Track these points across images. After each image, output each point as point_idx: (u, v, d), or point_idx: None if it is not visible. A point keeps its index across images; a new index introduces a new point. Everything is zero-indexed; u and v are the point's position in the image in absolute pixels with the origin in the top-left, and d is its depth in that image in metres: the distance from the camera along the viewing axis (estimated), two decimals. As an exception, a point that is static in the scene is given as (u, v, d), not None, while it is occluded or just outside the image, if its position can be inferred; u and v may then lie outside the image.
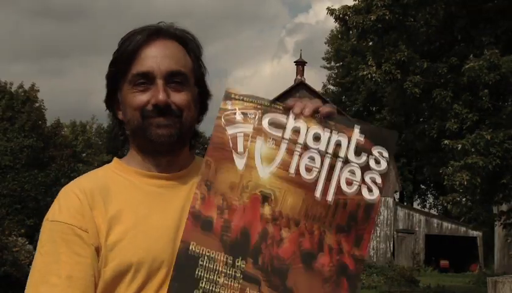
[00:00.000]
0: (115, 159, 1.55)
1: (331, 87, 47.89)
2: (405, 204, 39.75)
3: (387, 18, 14.00)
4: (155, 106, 1.43)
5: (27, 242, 18.09)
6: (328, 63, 47.95)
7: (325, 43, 48.36)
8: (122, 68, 1.45)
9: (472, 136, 13.05)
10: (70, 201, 1.43)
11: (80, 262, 1.37)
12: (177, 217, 1.44)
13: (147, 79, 1.43)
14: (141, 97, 1.44)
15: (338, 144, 1.34)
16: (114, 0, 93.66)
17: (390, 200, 32.94)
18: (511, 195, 14.90)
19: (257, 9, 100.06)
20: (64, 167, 24.64)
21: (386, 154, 1.37)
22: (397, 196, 35.24)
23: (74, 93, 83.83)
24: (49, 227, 1.44)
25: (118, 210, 1.42)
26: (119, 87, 1.48)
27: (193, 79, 1.50)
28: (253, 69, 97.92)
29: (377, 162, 1.36)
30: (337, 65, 47.00)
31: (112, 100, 1.52)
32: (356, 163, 1.35)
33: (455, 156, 13.72)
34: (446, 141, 13.35)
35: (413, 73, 14.03)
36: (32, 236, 19.45)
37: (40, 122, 30.25)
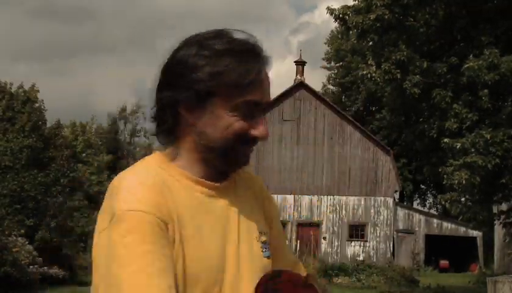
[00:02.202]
0: (158, 154, 1.48)
1: (331, 87, 47.92)
2: (405, 204, 39.78)
3: (387, 17, 14.00)
4: (254, 138, 1.43)
5: (26, 242, 18.09)
6: (328, 63, 48.00)
7: (325, 43, 48.41)
8: (230, 89, 1.40)
9: (471, 135, 13.06)
10: (145, 191, 1.33)
11: (168, 255, 1.30)
12: (223, 228, 1.44)
13: (252, 108, 1.42)
14: (243, 124, 1.41)
15: None
16: (119, 1, 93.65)
17: (390, 200, 32.95)
18: (510, 194, 14.90)
19: (264, 10, 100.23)
20: (64, 167, 24.62)
21: None
22: (396, 196, 35.25)
23: (78, 93, 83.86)
24: (128, 217, 1.29)
25: (179, 212, 1.37)
26: (210, 97, 1.41)
27: None
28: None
29: None
30: (338, 65, 47.02)
31: (203, 100, 1.43)
32: None
33: (454, 155, 13.73)
34: (446, 140, 13.36)
35: (413, 73, 14.03)
36: (32, 236, 19.44)
37: (40, 122, 30.24)
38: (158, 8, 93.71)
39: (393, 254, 33.09)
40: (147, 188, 1.34)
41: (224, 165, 1.45)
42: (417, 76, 13.86)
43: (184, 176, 1.44)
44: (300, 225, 32.55)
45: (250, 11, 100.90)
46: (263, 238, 1.53)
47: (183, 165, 1.46)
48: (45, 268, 18.06)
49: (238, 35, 1.46)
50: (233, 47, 1.42)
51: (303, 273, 1.53)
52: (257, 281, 1.45)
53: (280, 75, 78.28)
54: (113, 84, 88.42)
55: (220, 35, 1.45)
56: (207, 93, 1.41)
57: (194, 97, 1.42)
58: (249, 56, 1.42)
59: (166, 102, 1.45)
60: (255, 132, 1.43)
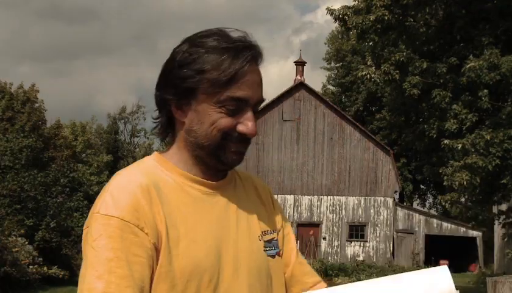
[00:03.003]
0: (157, 154, 1.51)
1: (331, 87, 47.91)
2: (405, 204, 39.76)
3: (386, 18, 14.00)
4: (241, 135, 1.43)
5: (26, 242, 18.09)
6: (328, 64, 47.98)
7: (325, 43, 48.41)
8: (214, 85, 1.41)
9: (471, 136, 13.06)
10: (126, 195, 1.35)
11: (136, 262, 1.31)
12: (220, 227, 1.44)
13: (238, 104, 1.42)
14: (228, 120, 1.41)
15: None
16: (124, 1, 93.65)
17: (390, 200, 32.95)
18: (510, 194, 14.90)
19: (269, 10, 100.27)
20: (64, 168, 24.63)
21: None
22: (396, 196, 35.24)
23: (79, 93, 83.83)
24: (103, 222, 1.33)
25: (171, 211, 1.39)
26: (196, 94, 1.43)
27: None
28: (262, 69, 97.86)
29: None
30: (338, 65, 47.01)
31: (186, 96, 1.45)
32: None
33: (454, 156, 13.73)
34: (446, 141, 13.35)
35: (412, 74, 14.03)
36: (32, 236, 19.44)
37: (40, 122, 30.25)
38: (163, 8, 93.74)
39: (393, 254, 33.09)
40: (128, 193, 1.35)
41: (214, 162, 1.46)
42: (417, 77, 13.85)
43: (181, 175, 1.46)
44: (300, 225, 32.55)
45: (255, 11, 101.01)
46: (267, 237, 1.53)
47: (179, 164, 1.47)
48: (45, 268, 18.06)
49: (231, 34, 1.46)
50: (219, 44, 1.43)
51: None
52: (256, 279, 1.45)
53: (282, 75, 78.40)
54: (114, 84, 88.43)
55: (213, 33, 1.46)
56: (192, 90, 1.43)
57: (181, 94, 1.44)
58: (234, 52, 1.42)
59: (159, 101, 1.48)
60: (242, 128, 1.42)
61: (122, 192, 1.36)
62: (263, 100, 1.47)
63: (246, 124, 1.42)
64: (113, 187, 1.38)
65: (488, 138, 12.83)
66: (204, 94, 1.42)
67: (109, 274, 1.28)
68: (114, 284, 1.28)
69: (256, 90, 1.44)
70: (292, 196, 32.48)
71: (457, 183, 13.04)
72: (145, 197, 1.36)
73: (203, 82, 1.41)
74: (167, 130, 1.51)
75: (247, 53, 1.43)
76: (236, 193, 1.52)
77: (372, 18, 14.03)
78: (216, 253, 1.40)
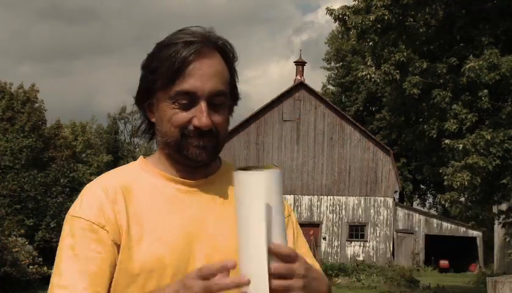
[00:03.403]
0: (141, 157, 1.56)
1: (331, 87, 47.91)
2: (405, 204, 39.76)
3: (386, 18, 13.99)
4: (197, 128, 1.42)
5: (26, 242, 18.08)
6: (328, 64, 47.98)
7: (325, 43, 48.41)
8: (163, 81, 1.43)
9: (472, 136, 13.05)
10: (91, 197, 1.45)
11: (94, 258, 1.39)
12: (195, 225, 1.44)
13: (189, 98, 1.42)
14: (182, 115, 1.42)
15: None
16: (124, 2, 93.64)
17: (390, 200, 32.95)
18: (510, 194, 14.90)
19: (271, 11, 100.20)
20: (64, 168, 24.62)
21: None
22: (396, 196, 35.24)
23: (81, 93, 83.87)
24: (70, 222, 1.44)
25: (138, 211, 1.43)
26: (155, 93, 1.46)
27: (229, 90, 1.49)
28: (262, 69, 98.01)
29: None
30: (338, 65, 47.01)
31: (143, 99, 1.50)
32: None
33: (454, 156, 13.72)
34: (447, 141, 13.35)
35: (412, 74, 14.03)
36: (32, 236, 19.43)
37: (40, 122, 30.26)
38: (163, 9, 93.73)
39: (393, 254, 33.09)
40: (92, 195, 1.45)
41: (182, 159, 1.47)
42: (417, 77, 13.85)
43: (159, 175, 1.50)
44: (300, 225, 32.16)
45: (256, 11, 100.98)
46: None
47: (159, 165, 1.51)
48: (45, 268, 18.05)
49: (190, 30, 1.47)
50: (170, 41, 1.45)
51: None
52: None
53: (283, 75, 78.31)
54: (114, 84, 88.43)
55: (172, 33, 1.49)
56: (150, 90, 1.46)
57: (144, 96, 1.49)
58: (181, 46, 1.42)
59: (136, 104, 1.54)
60: (195, 122, 1.42)
61: (88, 195, 1.46)
62: (222, 91, 1.44)
63: (199, 118, 1.41)
64: (83, 190, 1.48)
65: (488, 138, 12.83)
66: (160, 92, 1.44)
67: (66, 270, 1.38)
68: (69, 279, 1.37)
69: (206, 81, 1.42)
70: (292, 196, 32.48)
71: (458, 183, 13.04)
72: (108, 198, 1.44)
73: (157, 80, 1.44)
74: (149, 134, 1.55)
75: (194, 45, 1.42)
76: (227, 191, 1.51)
77: (372, 17, 14.03)
78: (185, 250, 1.42)
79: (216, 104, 1.44)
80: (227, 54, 1.49)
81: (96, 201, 1.43)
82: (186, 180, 1.49)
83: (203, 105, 1.42)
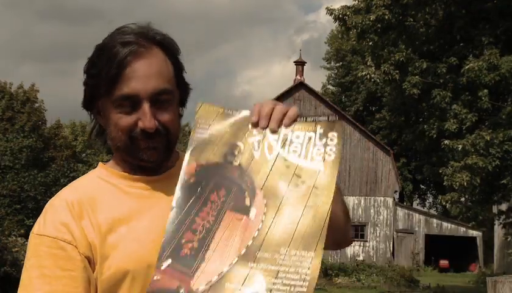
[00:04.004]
0: (100, 163, 1.53)
1: (331, 87, 47.90)
2: (405, 204, 39.77)
3: (386, 17, 13.99)
4: (144, 131, 1.39)
5: (26, 242, 18.09)
6: (328, 63, 47.99)
7: (325, 43, 48.42)
8: (104, 87, 1.39)
9: (471, 136, 13.05)
10: (54, 214, 1.40)
11: (64, 276, 1.35)
12: (165, 219, 1.40)
13: (132, 101, 1.38)
14: (127, 120, 1.39)
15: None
16: (127, 1, 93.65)
17: (390, 200, 32.95)
18: (510, 194, 14.91)
19: (274, 11, 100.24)
20: (64, 168, 24.63)
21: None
22: (396, 196, 35.26)
23: (81, 93, 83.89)
24: (34, 241, 1.39)
25: (108, 218, 1.40)
26: (99, 98, 1.43)
27: (175, 83, 1.45)
28: (264, 69, 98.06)
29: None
30: (338, 65, 47.01)
31: (91, 103, 1.47)
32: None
33: (454, 156, 13.72)
34: (446, 142, 13.35)
35: (412, 74, 14.03)
36: (32, 236, 19.42)
37: (40, 122, 30.26)
38: (166, 8, 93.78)
39: (393, 254, 33.09)
40: (55, 211, 1.41)
41: (137, 161, 1.45)
42: (417, 77, 13.85)
43: (120, 177, 1.47)
44: (300, 225, 32.51)
45: (259, 11, 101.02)
46: None
47: (118, 167, 1.49)
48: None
49: (128, 29, 1.43)
50: (107, 44, 1.41)
51: None
52: None
53: (285, 75, 78.28)
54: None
55: (109, 34, 1.44)
56: (93, 95, 1.43)
57: (90, 102, 1.46)
58: (117, 49, 1.38)
59: (85, 109, 1.50)
60: (140, 124, 1.39)
61: (50, 211, 1.41)
62: (165, 89, 1.40)
63: (143, 120, 1.38)
64: (46, 207, 1.43)
65: (488, 139, 12.83)
66: (104, 97, 1.41)
67: (35, 291, 1.34)
68: None
69: (146, 82, 1.38)
70: (292, 196, 32.48)
71: (457, 183, 13.04)
72: (72, 212, 1.39)
73: (99, 86, 1.40)
74: (103, 137, 1.50)
75: (129, 47, 1.39)
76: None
77: (372, 17, 14.03)
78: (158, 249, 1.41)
79: (162, 102, 1.40)
80: (167, 48, 1.45)
81: (59, 217, 1.39)
82: (148, 177, 1.46)
83: (146, 107, 1.38)
